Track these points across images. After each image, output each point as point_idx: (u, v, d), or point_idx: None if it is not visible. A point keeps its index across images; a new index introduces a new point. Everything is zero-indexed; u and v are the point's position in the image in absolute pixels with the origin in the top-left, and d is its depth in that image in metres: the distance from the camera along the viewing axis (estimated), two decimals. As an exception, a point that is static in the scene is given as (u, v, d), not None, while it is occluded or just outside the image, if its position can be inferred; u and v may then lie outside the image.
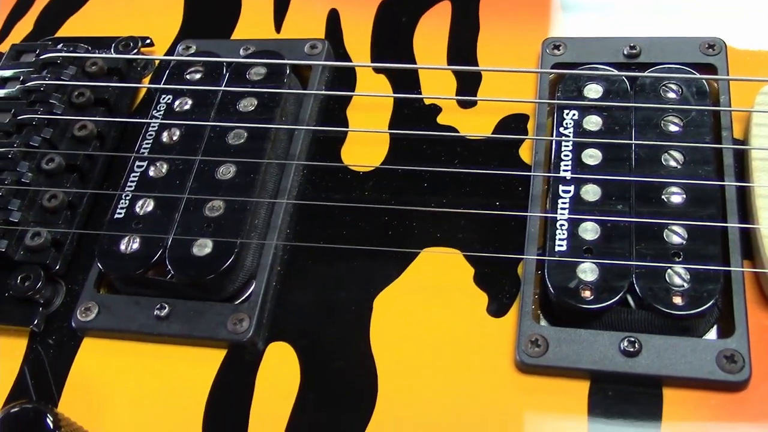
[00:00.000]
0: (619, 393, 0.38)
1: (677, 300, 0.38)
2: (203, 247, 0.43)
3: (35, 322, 0.44)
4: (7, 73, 0.52)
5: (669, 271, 0.39)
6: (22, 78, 0.51)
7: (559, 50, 0.48)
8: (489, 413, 0.38)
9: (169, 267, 0.43)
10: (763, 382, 0.37)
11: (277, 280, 0.44)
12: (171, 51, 0.55)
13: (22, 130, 0.49)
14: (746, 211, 0.41)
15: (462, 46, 0.51)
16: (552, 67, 0.48)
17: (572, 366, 0.38)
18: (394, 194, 0.46)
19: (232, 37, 0.55)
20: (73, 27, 0.58)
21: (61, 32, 0.58)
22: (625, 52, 0.47)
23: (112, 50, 0.54)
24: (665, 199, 0.41)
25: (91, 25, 0.58)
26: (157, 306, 0.43)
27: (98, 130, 0.50)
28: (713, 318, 0.39)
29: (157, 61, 0.54)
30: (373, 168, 0.47)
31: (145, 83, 0.54)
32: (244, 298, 0.43)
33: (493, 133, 0.47)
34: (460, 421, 0.38)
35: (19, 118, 0.49)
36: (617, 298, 0.38)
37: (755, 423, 0.36)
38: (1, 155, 0.48)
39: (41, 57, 0.52)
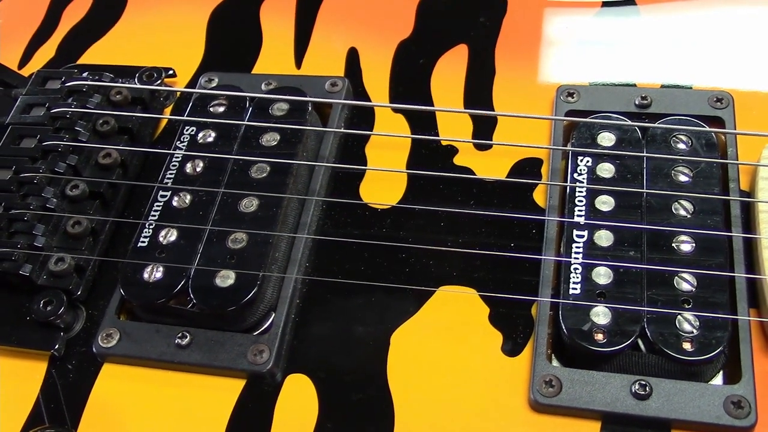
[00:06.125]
0: (630, 434, 0.39)
1: (687, 346, 0.39)
2: (226, 278, 0.44)
3: (56, 346, 0.45)
4: (33, 99, 0.53)
5: (679, 317, 0.40)
6: (47, 104, 0.52)
7: (572, 98, 0.50)
8: (503, 450, 0.40)
9: (192, 297, 0.44)
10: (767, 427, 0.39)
11: (297, 313, 0.45)
12: (193, 82, 0.56)
13: (48, 156, 0.50)
14: (752, 261, 0.42)
15: (478, 88, 0.53)
16: (566, 114, 0.49)
17: (585, 407, 0.39)
18: (411, 232, 0.47)
19: (253, 71, 0.56)
20: (94, 54, 0.60)
21: (83, 59, 0.59)
22: (637, 102, 0.49)
23: (135, 80, 0.55)
24: (675, 247, 0.43)
25: (113, 54, 0.59)
26: (178, 335, 0.44)
27: (122, 159, 0.51)
28: (720, 364, 0.40)
29: (178, 93, 0.55)
30: (390, 206, 0.48)
31: (167, 113, 0.55)
32: (263, 329, 0.44)
33: (507, 176, 0.48)
34: (475, 458, 0.40)
35: (44, 144, 0.50)
36: (629, 342, 0.40)
37: (760, 468, 0.38)
38: (26, 180, 0.49)
39: (67, 84, 0.53)
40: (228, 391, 0.43)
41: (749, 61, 0.51)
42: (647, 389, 0.39)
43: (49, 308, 0.46)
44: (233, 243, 0.45)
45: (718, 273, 0.41)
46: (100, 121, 0.52)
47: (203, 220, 0.47)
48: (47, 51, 0.61)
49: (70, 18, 0.62)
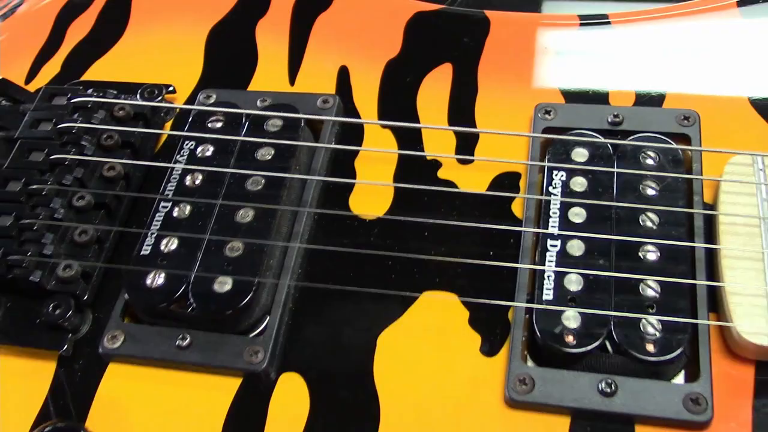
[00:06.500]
0: (596, 429, 0.42)
1: (650, 347, 0.43)
2: (224, 284, 0.47)
3: (65, 347, 0.48)
4: (41, 114, 0.56)
5: (643, 321, 0.43)
6: (54, 120, 0.55)
7: (549, 115, 0.53)
8: (480, 444, 0.43)
9: (192, 301, 0.47)
10: (723, 422, 0.42)
11: (289, 317, 0.48)
12: (192, 98, 0.59)
13: (55, 168, 0.53)
14: (713, 270, 0.46)
15: (461, 106, 0.56)
16: (543, 131, 0.52)
17: (556, 403, 0.43)
18: (397, 241, 0.50)
19: (248, 88, 0.59)
20: (98, 71, 0.63)
21: (87, 75, 0.62)
22: (609, 120, 0.52)
23: (138, 96, 0.58)
24: (642, 257, 0.46)
25: (115, 70, 0.62)
26: (179, 336, 0.47)
27: (125, 171, 0.54)
28: (681, 364, 0.44)
29: (178, 109, 0.59)
30: (378, 217, 0.51)
31: (168, 128, 0.58)
32: (258, 331, 0.47)
33: (488, 189, 0.51)
34: (454, 450, 0.43)
35: (52, 157, 0.53)
36: (597, 343, 0.43)
37: (716, 459, 0.41)
38: (35, 192, 0.52)
39: (72, 101, 0.56)
40: (225, 388, 0.46)
41: (716, 82, 0.55)
42: (613, 387, 0.42)
43: (57, 311, 0.48)
44: (230, 251, 0.49)
45: (680, 281, 0.45)
46: (105, 136, 0.55)
47: (202, 229, 0.50)
48: (53, 67, 0.63)
49: (74, 36, 0.65)
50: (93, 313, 0.50)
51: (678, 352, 0.42)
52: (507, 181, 0.52)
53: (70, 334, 0.49)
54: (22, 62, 0.64)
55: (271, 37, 0.62)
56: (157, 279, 0.48)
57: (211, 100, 0.58)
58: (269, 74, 0.60)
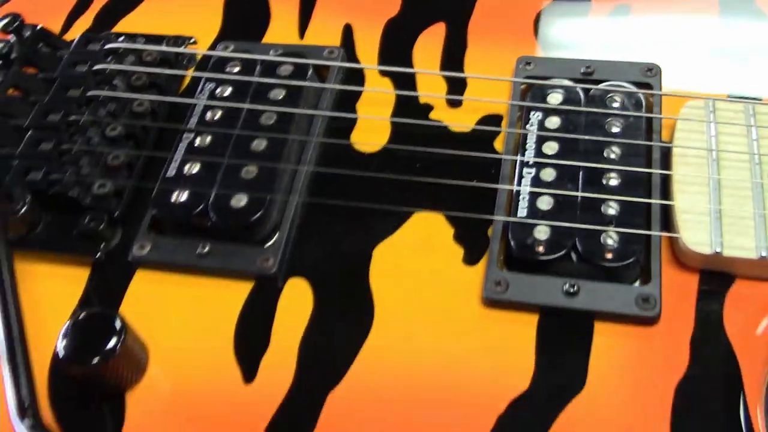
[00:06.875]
0: (561, 323, 0.49)
1: (609, 255, 0.49)
2: (239, 201, 0.54)
3: (98, 253, 0.55)
4: (77, 57, 0.63)
5: (603, 234, 0.50)
6: (90, 62, 0.62)
7: (530, 66, 0.60)
8: (462, 337, 0.49)
9: (212, 216, 0.54)
10: (670, 318, 0.48)
11: (297, 230, 0.55)
12: (212, 49, 0.66)
13: (91, 103, 0.60)
14: (666, 193, 0.52)
15: (452, 58, 0.63)
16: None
17: (526, 301, 0.49)
18: (393, 170, 0.56)
19: (262, 41, 0.66)
20: (126, 26, 0.69)
21: (116, 29, 0.69)
22: (582, 71, 0.59)
23: (164, 45, 0.65)
24: (605, 183, 0.52)
25: (142, 25, 0.69)
26: (200, 245, 0.54)
27: (152, 108, 0.61)
28: (636, 271, 0.50)
29: (199, 56, 0.65)
30: (377, 150, 0.58)
31: (190, 73, 0.65)
32: (270, 243, 0.54)
33: (474, 127, 0.58)
34: (439, 342, 0.49)
35: (88, 94, 0.60)
36: (563, 252, 0.50)
37: (663, 348, 0.48)
38: (73, 122, 0.58)
39: (106, 47, 0.63)
40: (240, 290, 0.53)
41: (676, 41, 0.61)
42: (576, 288, 0.49)
43: (92, 224, 0.55)
44: (246, 174, 0.55)
45: (637, 200, 0.51)
46: (134, 77, 0.61)
47: (221, 156, 0.56)
48: (85, 21, 0.70)
49: (105, -6, 0.72)
50: (124, 226, 0.56)
51: (632, 260, 0.49)
52: (491, 121, 0.58)
53: (103, 244, 0.55)
54: (57, 16, 0.71)
55: (283, -4, 0.69)
56: (180, 196, 0.55)
57: (229, 50, 0.64)
58: (281, 30, 0.67)
